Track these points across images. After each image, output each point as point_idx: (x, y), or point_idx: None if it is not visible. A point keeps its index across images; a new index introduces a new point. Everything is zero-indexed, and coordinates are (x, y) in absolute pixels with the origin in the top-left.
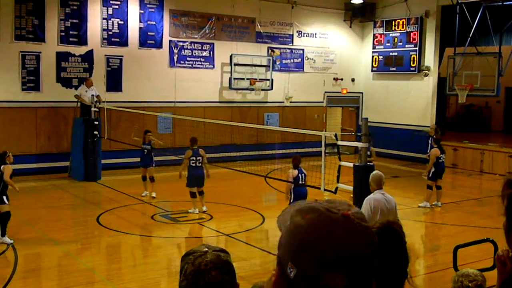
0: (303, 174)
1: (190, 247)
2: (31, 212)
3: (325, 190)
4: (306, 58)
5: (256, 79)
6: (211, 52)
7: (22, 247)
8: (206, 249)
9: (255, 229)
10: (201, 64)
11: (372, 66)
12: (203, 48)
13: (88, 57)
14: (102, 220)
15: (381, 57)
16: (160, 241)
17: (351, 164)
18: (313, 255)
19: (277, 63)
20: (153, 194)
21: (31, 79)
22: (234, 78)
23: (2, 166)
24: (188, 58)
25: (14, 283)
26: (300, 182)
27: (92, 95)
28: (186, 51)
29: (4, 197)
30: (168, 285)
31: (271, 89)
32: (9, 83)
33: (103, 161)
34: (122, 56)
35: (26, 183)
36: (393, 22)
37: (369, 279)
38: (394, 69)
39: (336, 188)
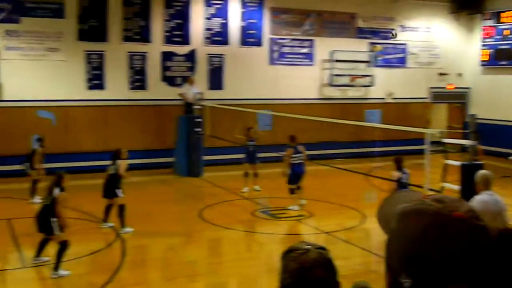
0: (406, 175)
1: (290, 244)
2: (137, 206)
3: (429, 190)
4: (410, 53)
5: (356, 75)
6: (311, 49)
7: (129, 239)
8: (308, 246)
9: (355, 228)
10: (301, 61)
11: (481, 60)
12: (303, 45)
13: (191, 56)
14: (204, 215)
15: (491, 50)
16: (260, 237)
17: (456, 163)
18: (429, 266)
19: (379, 58)
20: (257, 187)
21: (138, 78)
22: (334, 75)
23: (117, 162)
24: (287, 56)
25: (122, 273)
26: (403, 181)
27: (195, 93)
28: (285, 48)
29: (119, 191)
30: (267, 280)
31: (372, 85)
32: (119, 82)
33: (205, 157)
34: (223, 54)
35: (132, 178)
36: (503, 13)
37: (490, 282)
38: (504, 62)
39: (442, 188)
